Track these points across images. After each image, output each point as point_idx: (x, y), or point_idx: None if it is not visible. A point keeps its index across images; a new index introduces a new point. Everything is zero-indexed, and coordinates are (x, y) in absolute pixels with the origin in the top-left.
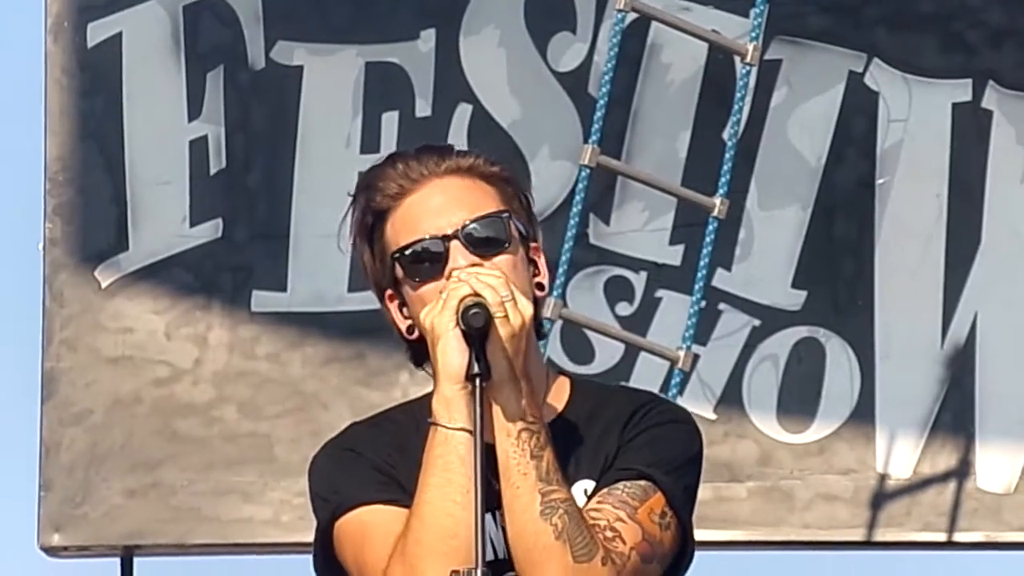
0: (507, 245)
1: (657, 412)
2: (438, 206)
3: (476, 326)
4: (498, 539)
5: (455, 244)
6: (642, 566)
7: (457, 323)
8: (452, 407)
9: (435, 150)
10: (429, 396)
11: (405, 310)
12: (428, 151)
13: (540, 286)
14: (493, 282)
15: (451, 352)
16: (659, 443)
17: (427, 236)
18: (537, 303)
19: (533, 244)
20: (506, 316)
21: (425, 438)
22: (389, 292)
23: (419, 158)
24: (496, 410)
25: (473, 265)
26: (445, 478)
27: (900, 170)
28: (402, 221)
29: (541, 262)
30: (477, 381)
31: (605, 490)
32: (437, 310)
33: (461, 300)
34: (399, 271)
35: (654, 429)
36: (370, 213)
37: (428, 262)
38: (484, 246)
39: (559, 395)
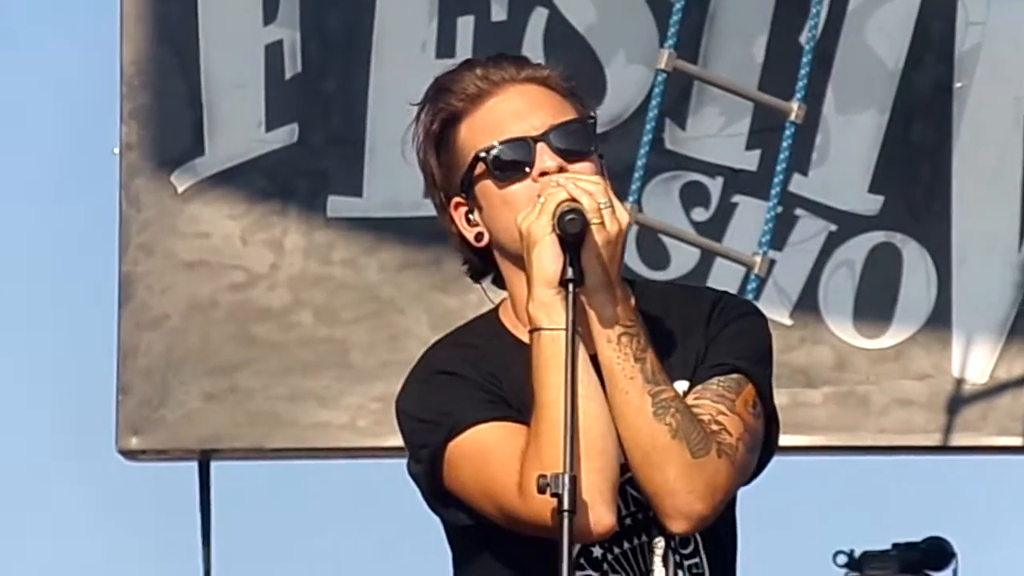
0: (589, 152)
1: (734, 305)
2: (521, 108)
3: (572, 232)
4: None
5: (541, 146)
6: (748, 456)
7: (553, 228)
8: (551, 310)
9: (512, 59)
10: (487, 316)
11: (473, 217)
12: (505, 59)
13: None
14: (592, 188)
15: (547, 257)
16: (742, 336)
17: (513, 136)
18: None
19: (602, 159)
20: (602, 223)
21: (514, 356)
22: (457, 200)
23: (497, 63)
24: (592, 317)
25: (560, 168)
26: (562, 376)
27: (978, 73)
28: (482, 123)
29: (606, 177)
30: (571, 286)
31: (700, 386)
32: (534, 215)
33: (558, 205)
34: (480, 172)
35: (735, 323)
36: (444, 115)
37: (514, 162)
38: (570, 149)
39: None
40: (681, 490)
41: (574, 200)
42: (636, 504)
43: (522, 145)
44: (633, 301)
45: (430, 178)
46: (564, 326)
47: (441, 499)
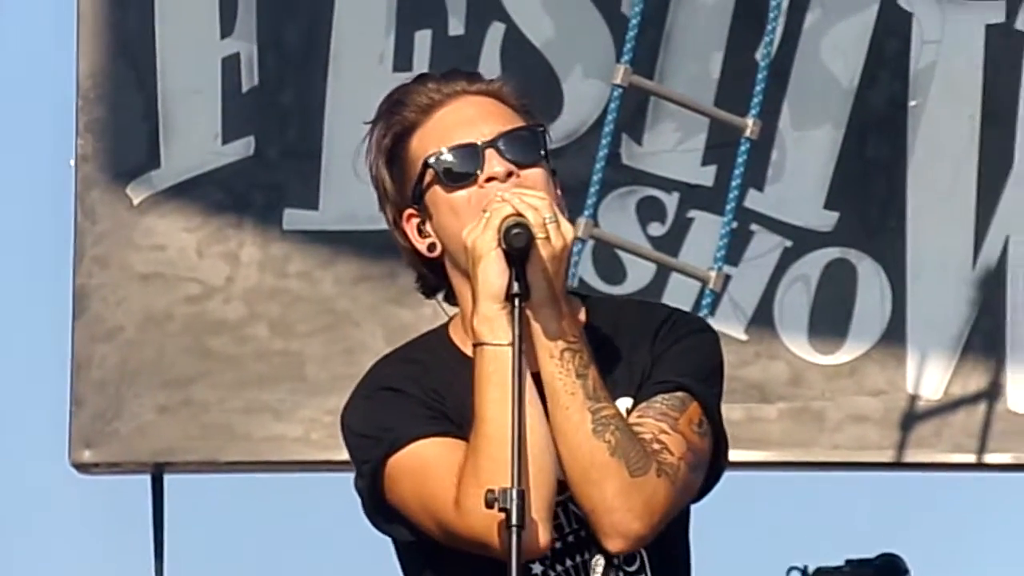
0: (539, 159)
1: (683, 323)
2: (471, 116)
3: (518, 246)
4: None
5: (490, 151)
6: (690, 476)
7: (499, 243)
8: (495, 325)
9: (465, 73)
10: (437, 330)
11: (424, 228)
12: (458, 72)
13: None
14: (537, 203)
15: (492, 271)
16: (689, 353)
17: (461, 142)
18: None
19: (554, 174)
20: (548, 237)
21: (458, 371)
22: (409, 211)
23: (449, 77)
24: (537, 331)
25: (509, 174)
26: (502, 393)
27: (933, 92)
28: (432, 132)
29: (558, 192)
30: (517, 301)
31: (644, 404)
32: (479, 230)
33: (504, 219)
34: (430, 179)
35: (683, 340)
36: (396, 129)
37: (462, 166)
38: (520, 155)
39: (577, 315)
40: (619, 508)
41: (519, 214)
42: (579, 522)
43: (470, 151)
44: (584, 316)
45: (382, 192)
46: (508, 341)
47: (384, 515)
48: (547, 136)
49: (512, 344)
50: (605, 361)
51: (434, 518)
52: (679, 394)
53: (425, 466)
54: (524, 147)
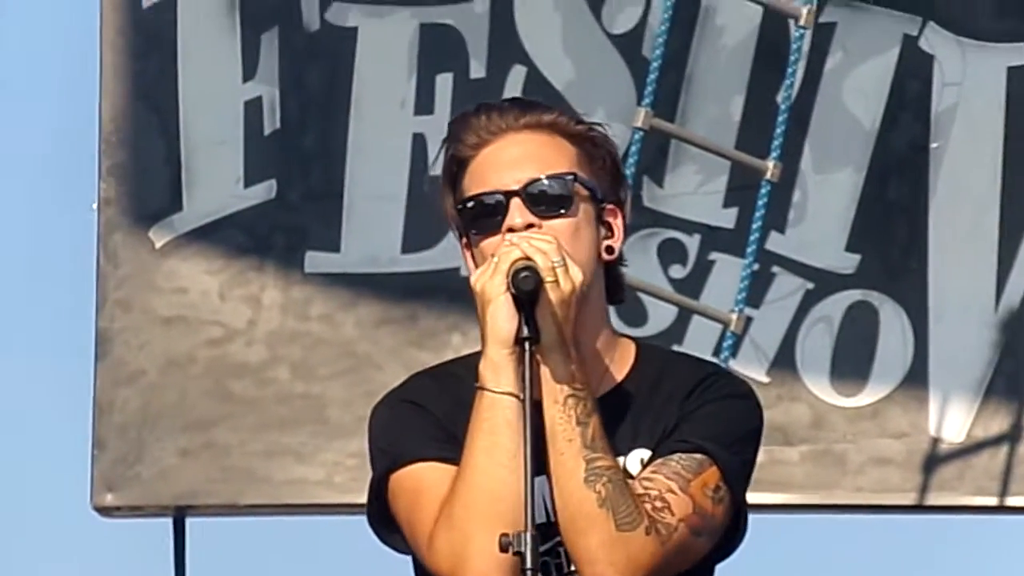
0: (567, 208)
1: (719, 386)
2: (507, 160)
3: (526, 289)
4: (551, 501)
5: (515, 201)
6: (690, 539)
7: (508, 287)
8: (500, 371)
9: (520, 104)
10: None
11: (473, 257)
12: (514, 104)
13: (610, 249)
14: (545, 247)
15: (501, 316)
16: (719, 417)
17: (490, 190)
18: (612, 270)
19: (609, 205)
20: (556, 281)
21: None
22: (464, 240)
23: (502, 110)
24: (544, 375)
25: (529, 225)
26: (492, 441)
27: (954, 134)
28: (475, 172)
29: (617, 224)
30: (527, 345)
31: (660, 460)
32: (488, 274)
33: (512, 264)
34: (466, 220)
35: (716, 403)
36: (454, 162)
37: (488, 216)
38: (545, 206)
39: (623, 361)
40: (601, 560)
41: (528, 259)
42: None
43: (497, 199)
44: (632, 361)
45: (446, 214)
46: (508, 390)
47: (385, 525)
48: (616, 160)
49: (520, 388)
50: (634, 411)
51: (414, 543)
52: (698, 456)
53: (418, 490)
54: (550, 198)
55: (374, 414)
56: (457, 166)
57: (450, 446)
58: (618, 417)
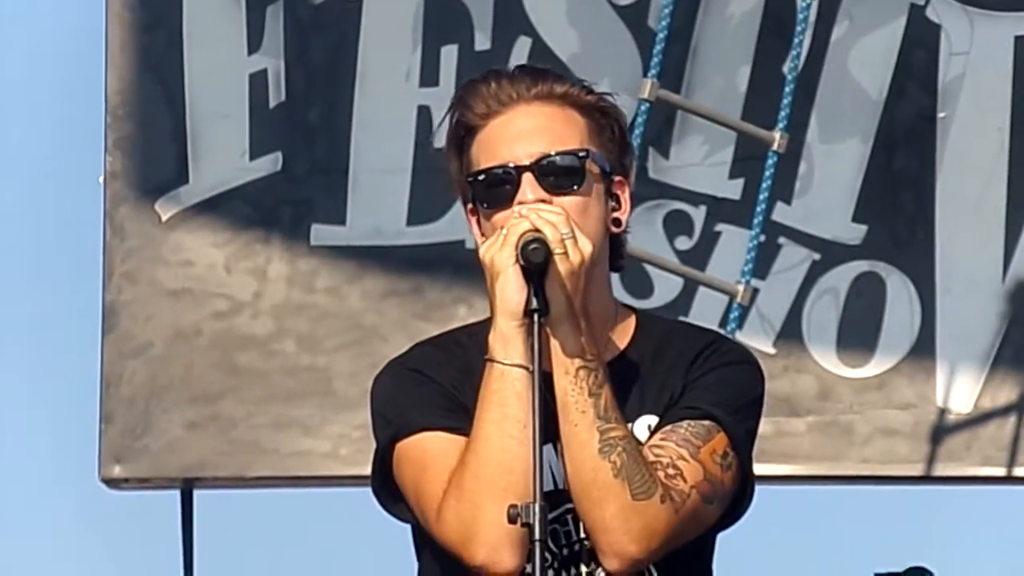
0: (579, 185)
1: (723, 352)
2: (518, 133)
3: (536, 261)
4: (558, 469)
5: (527, 176)
6: (702, 505)
7: (516, 259)
8: (509, 343)
9: (531, 73)
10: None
11: (483, 226)
12: (524, 73)
13: (617, 222)
14: (554, 219)
15: (510, 288)
16: (724, 384)
17: (501, 163)
18: (616, 239)
19: (618, 178)
20: (565, 253)
21: None
22: (470, 207)
23: (512, 79)
24: (554, 347)
25: (540, 201)
26: (502, 413)
27: (961, 104)
28: (485, 143)
29: (624, 196)
30: (536, 316)
31: (669, 427)
32: (497, 246)
33: (521, 235)
34: (474, 192)
35: (720, 369)
36: (461, 128)
37: (499, 189)
38: (556, 182)
39: (625, 331)
40: (617, 529)
41: (536, 230)
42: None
43: (507, 173)
44: (633, 331)
45: (451, 179)
46: (518, 362)
47: (390, 494)
48: (624, 131)
49: (530, 360)
50: (638, 379)
51: (422, 514)
52: (706, 422)
53: (425, 460)
54: (562, 174)
55: (377, 382)
56: (465, 132)
57: (456, 415)
58: (623, 385)
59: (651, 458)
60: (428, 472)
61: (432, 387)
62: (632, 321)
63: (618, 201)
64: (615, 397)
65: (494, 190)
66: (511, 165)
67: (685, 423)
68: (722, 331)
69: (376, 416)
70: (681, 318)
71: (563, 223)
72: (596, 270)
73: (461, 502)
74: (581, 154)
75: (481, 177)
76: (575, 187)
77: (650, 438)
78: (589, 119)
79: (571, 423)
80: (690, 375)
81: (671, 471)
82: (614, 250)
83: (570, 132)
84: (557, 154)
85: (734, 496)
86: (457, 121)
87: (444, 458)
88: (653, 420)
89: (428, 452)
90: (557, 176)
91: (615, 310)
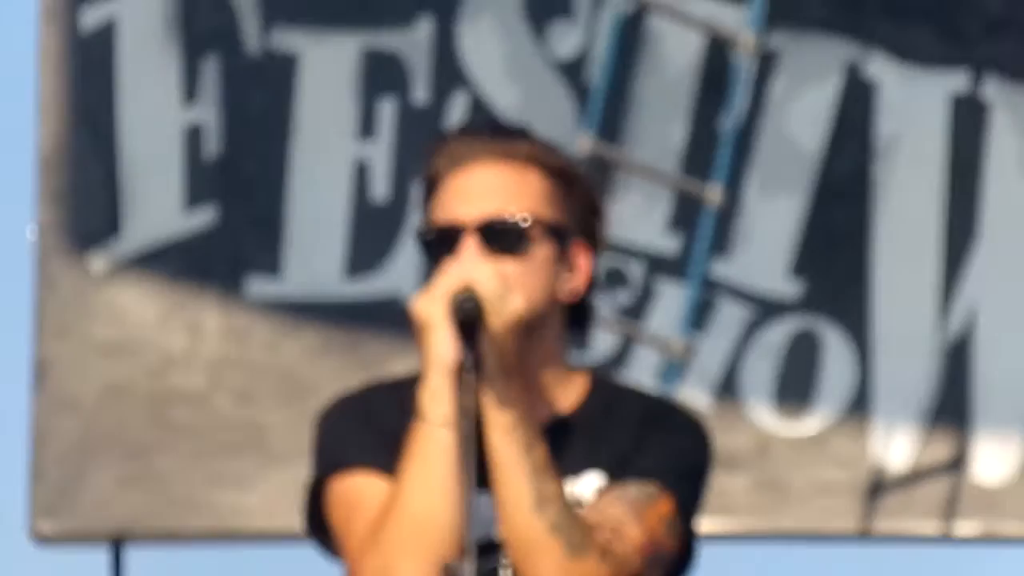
0: (522, 249)
1: (672, 418)
2: (471, 191)
3: (468, 316)
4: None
5: (471, 236)
6: (642, 568)
7: (447, 314)
8: (437, 399)
9: (498, 131)
10: None
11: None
12: (492, 130)
13: (570, 289)
14: (485, 275)
15: (441, 342)
16: (673, 449)
17: (448, 220)
18: (576, 308)
19: (576, 243)
20: (496, 310)
21: None
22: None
23: (477, 136)
24: (486, 402)
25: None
26: (423, 470)
27: (898, 160)
28: (441, 197)
29: (581, 263)
30: (466, 372)
31: (615, 490)
32: (428, 300)
33: (452, 289)
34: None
35: (670, 435)
36: (431, 174)
37: (442, 247)
38: (499, 244)
39: (577, 391)
40: None
41: (468, 285)
42: None
43: (453, 231)
44: (586, 390)
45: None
46: (447, 420)
47: (324, 530)
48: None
49: (459, 414)
50: (584, 438)
51: (346, 554)
52: (652, 487)
53: (355, 502)
54: (504, 237)
55: (325, 414)
56: (428, 184)
57: (396, 458)
58: (570, 443)
59: (594, 519)
60: (356, 515)
61: (375, 426)
62: (586, 381)
63: (572, 268)
64: (549, 454)
65: (440, 246)
66: (457, 223)
67: (631, 486)
68: (665, 390)
69: (316, 447)
70: (619, 371)
71: (494, 278)
72: (543, 335)
73: (376, 557)
74: (525, 219)
75: (427, 232)
76: (517, 251)
77: (596, 500)
78: (555, 183)
79: (505, 479)
80: (639, 438)
81: (613, 533)
82: (575, 320)
83: (524, 194)
84: (503, 217)
85: (676, 561)
86: (428, 169)
87: (371, 504)
88: (599, 475)
89: (358, 495)
90: (499, 238)
91: (566, 373)
